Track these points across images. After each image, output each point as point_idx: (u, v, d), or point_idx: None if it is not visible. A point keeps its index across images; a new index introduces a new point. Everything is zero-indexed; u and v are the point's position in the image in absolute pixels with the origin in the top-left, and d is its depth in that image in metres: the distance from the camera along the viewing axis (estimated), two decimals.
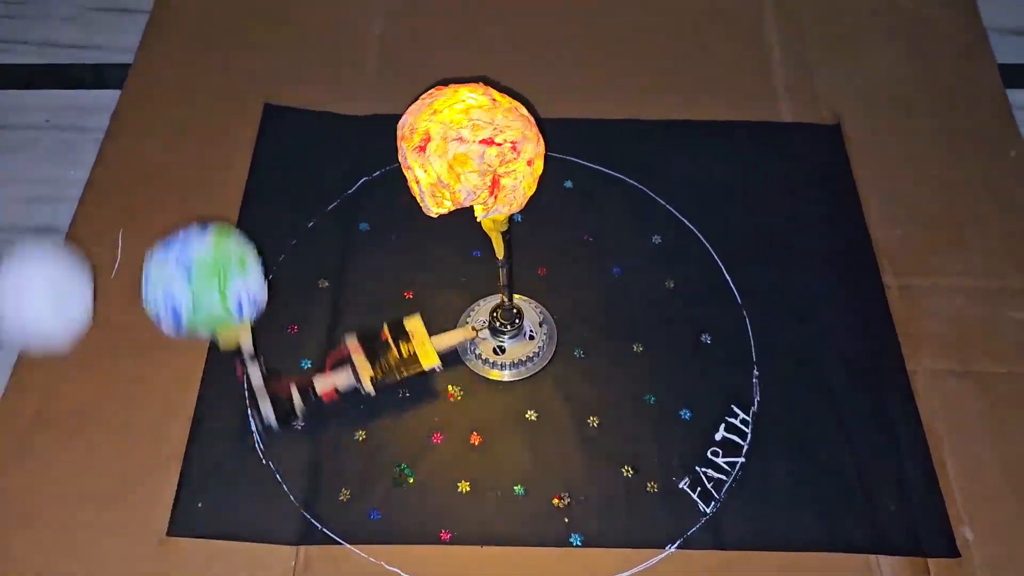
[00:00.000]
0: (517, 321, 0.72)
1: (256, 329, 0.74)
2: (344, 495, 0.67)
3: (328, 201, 0.82)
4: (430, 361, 0.69)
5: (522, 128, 0.53)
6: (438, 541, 0.65)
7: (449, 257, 0.79)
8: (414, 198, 0.55)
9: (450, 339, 0.71)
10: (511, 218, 0.61)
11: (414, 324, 0.70)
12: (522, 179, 0.54)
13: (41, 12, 0.98)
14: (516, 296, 0.75)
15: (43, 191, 0.84)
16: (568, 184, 0.84)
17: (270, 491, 0.67)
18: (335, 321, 0.75)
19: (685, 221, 0.82)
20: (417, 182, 0.54)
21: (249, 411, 0.70)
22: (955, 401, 0.72)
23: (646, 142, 0.87)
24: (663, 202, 0.83)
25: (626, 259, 0.79)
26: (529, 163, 0.54)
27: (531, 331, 0.74)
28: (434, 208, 0.54)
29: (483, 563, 0.64)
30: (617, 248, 0.80)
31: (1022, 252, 0.80)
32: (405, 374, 0.69)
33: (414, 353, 0.69)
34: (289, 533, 0.65)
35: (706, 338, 0.75)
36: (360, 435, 0.70)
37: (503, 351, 0.73)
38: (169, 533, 0.65)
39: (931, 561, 0.65)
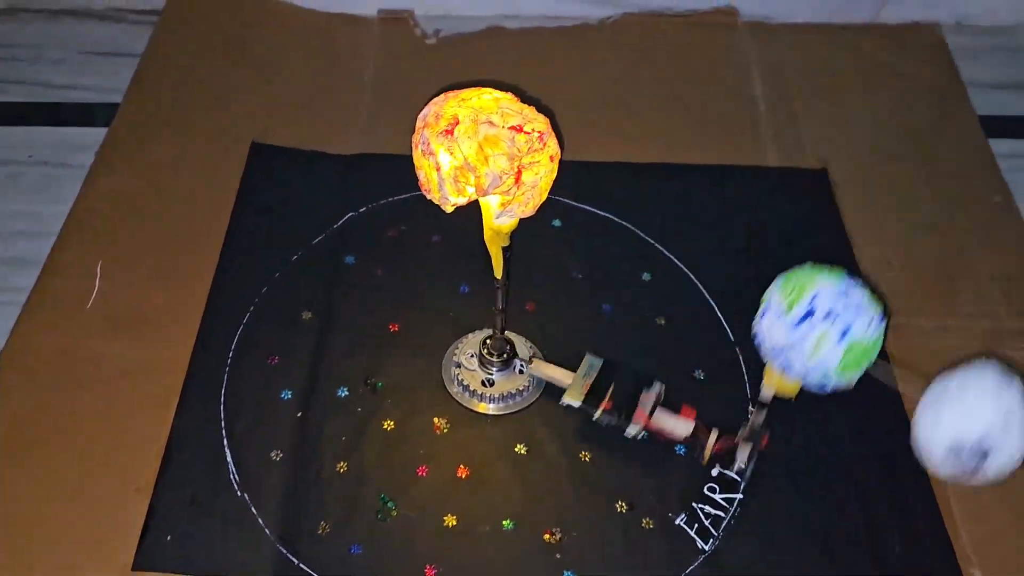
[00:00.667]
0: (508, 352, 0.70)
1: (235, 356, 0.72)
2: (323, 528, 0.63)
3: (313, 235, 0.81)
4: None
5: (546, 123, 0.53)
6: None
7: (436, 292, 0.77)
8: (428, 198, 0.55)
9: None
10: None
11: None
12: (542, 176, 0.53)
13: (32, 55, 0.98)
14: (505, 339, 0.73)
15: (23, 225, 0.82)
16: (556, 223, 0.84)
17: (245, 524, 0.63)
18: (318, 352, 0.73)
19: (675, 260, 0.81)
20: (438, 169, 0.53)
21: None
22: None
23: (635, 184, 0.87)
24: (652, 241, 0.82)
25: (616, 296, 0.78)
26: (551, 159, 0.54)
27: (521, 365, 0.72)
28: (452, 196, 0.53)
29: None
30: (606, 285, 0.79)
31: (1013, 293, 0.80)
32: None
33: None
34: (263, 568, 0.61)
35: (699, 375, 0.73)
36: (342, 466, 0.66)
37: (492, 384, 0.71)
38: (135, 567, 0.61)
39: None
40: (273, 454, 0.67)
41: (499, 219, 0.56)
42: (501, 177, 0.52)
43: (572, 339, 0.75)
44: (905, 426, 0.70)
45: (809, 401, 0.71)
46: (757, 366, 0.73)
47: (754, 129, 0.92)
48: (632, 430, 0.66)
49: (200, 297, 0.75)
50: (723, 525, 0.65)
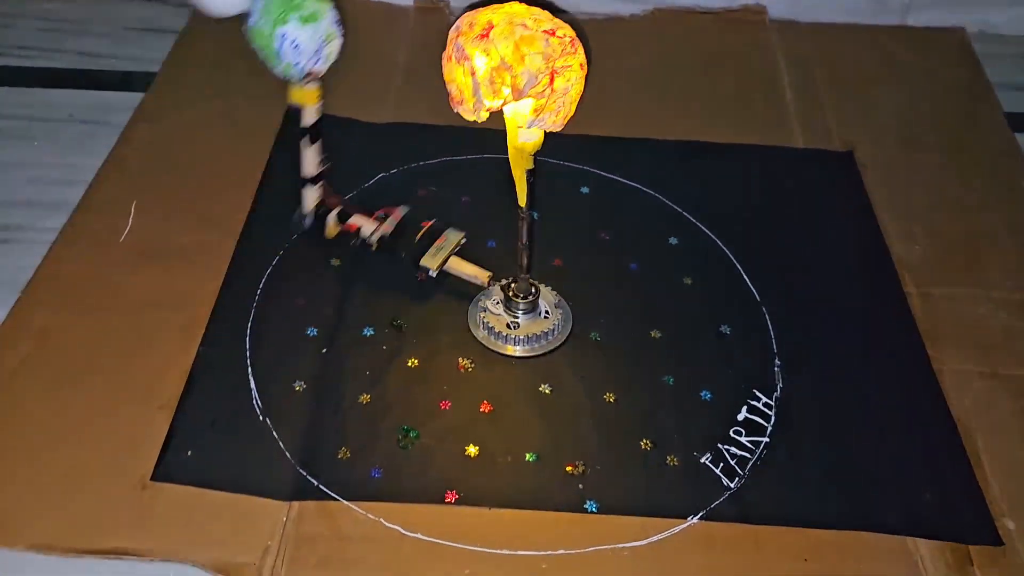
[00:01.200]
0: (533, 293, 0.71)
1: (262, 296, 0.73)
2: (344, 454, 0.63)
3: (345, 193, 0.82)
4: (429, 262, 0.72)
5: (574, 32, 0.55)
6: (442, 502, 0.60)
7: (463, 246, 0.78)
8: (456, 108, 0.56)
9: (462, 267, 0.73)
10: (533, 166, 0.62)
11: (453, 235, 0.74)
12: (573, 83, 0.55)
13: (78, 29, 1.01)
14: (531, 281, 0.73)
15: (58, 174, 0.84)
16: (585, 190, 0.85)
17: (265, 447, 0.63)
18: (345, 294, 0.73)
19: (702, 227, 0.81)
20: (473, 73, 0.54)
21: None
22: (985, 400, 0.69)
23: (662, 159, 0.88)
24: (680, 209, 0.83)
25: (643, 256, 0.78)
26: (582, 67, 0.55)
27: (546, 310, 0.72)
28: (488, 99, 0.54)
29: (491, 525, 0.59)
30: (634, 246, 0.79)
31: None
32: (402, 255, 0.73)
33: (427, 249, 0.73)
34: (282, 488, 0.60)
35: (725, 329, 0.73)
36: (364, 398, 0.66)
37: (517, 326, 0.71)
38: (154, 478, 0.60)
39: (973, 548, 0.60)
40: (296, 384, 0.67)
41: (529, 128, 0.57)
42: (537, 76, 0.53)
43: (599, 293, 0.75)
44: (927, 373, 0.70)
45: (832, 361, 0.71)
46: (784, 325, 0.73)
47: (781, 116, 0.94)
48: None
49: (230, 240, 0.76)
50: (749, 465, 0.63)
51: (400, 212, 0.75)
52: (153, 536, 0.57)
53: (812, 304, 0.75)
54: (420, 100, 0.93)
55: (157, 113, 0.88)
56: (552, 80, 0.54)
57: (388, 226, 0.73)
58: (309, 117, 0.71)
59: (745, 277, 0.77)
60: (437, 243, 0.73)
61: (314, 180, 0.74)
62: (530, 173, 0.62)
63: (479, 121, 0.58)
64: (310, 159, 0.73)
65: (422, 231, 0.74)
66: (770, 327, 0.73)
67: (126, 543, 0.57)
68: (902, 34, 1.05)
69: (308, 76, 0.67)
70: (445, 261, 0.72)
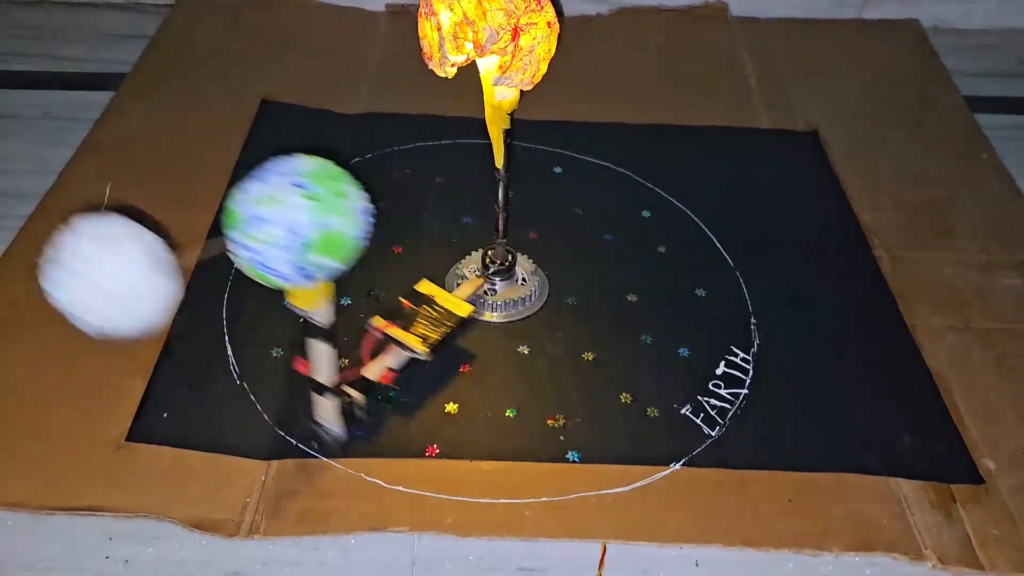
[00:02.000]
0: (509, 260, 0.71)
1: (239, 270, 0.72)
2: None
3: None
4: (464, 309, 0.66)
5: None
6: (423, 455, 0.60)
7: (439, 221, 0.78)
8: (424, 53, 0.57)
9: (464, 291, 0.69)
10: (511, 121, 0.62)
11: (427, 287, 0.68)
12: (540, 41, 0.56)
13: (53, 35, 1.02)
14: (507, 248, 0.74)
15: (32, 167, 0.83)
16: (557, 170, 0.86)
17: (242, 409, 0.62)
18: None
19: (673, 200, 0.83)
20: (439, 28, 0.55)
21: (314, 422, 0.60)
22: (959, 351, 0.70)
23: (631, 140, 0.89)
24: (650, 185, 0.84)
25: (617, 228, 0.79)
26: (549, 25, 0.56)
27: (523, 277, 0.72)
28: (452, 54, 0.55)
29: (472, 476, 0.59)
30: (608, 219, 0.80)
31: (1004, 233, 0.81)
32: (451, 325, 0.64)
33: (445, 309, 0.66)
34: (260, 448, 0.60)
35: (700, 292, 0.74)
36: (343, 363, 0.66)
37: (494, 292, 0.71)
38: (129, 438, 0.59)
39: (955, 487, 0.60)
40: (273, 351, 0.66)
41: (498, 86, 0.58)
42: (498, 32, 0.54)
43: (575, 262, 0.75)
44: (901, 329, 0.70)
45: (807, 319, 0.72)
46: (758, 288, 0.74)
47: (746, 101, 0.96)
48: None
49: (207, 216, 0.76)
50: (729, 415, 0.64)
51: (375, 330, 0.64)
52: (128, 494, 0.56)
53: (785, 269, 0.76)
54: (392, 94, 0.94)
55: (131, 105, 0.89)
56: (516, 36, 0.55)
57: (392, 355, 0.63)
58: (323, 318, 0.54)
59: (718, 245, 0.78)
60: (432, 307, 0.66)
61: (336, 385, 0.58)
62: (507, 133, 0.62)
63: (448, 77, 0.59)
64: (327, 365, 0.56)
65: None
66: (745, 290, 0.74)
67: (100, 500, 0.56)
68: (859, 27, 1.08)
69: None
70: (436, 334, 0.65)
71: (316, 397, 0.58)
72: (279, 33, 1.03)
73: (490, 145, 0.64)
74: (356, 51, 1.01)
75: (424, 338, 0.63)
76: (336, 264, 0.49)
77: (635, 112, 0.93)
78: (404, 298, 0.67)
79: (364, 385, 0.61)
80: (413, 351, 0.63)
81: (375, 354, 0.64)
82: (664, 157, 0.88)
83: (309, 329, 0.54)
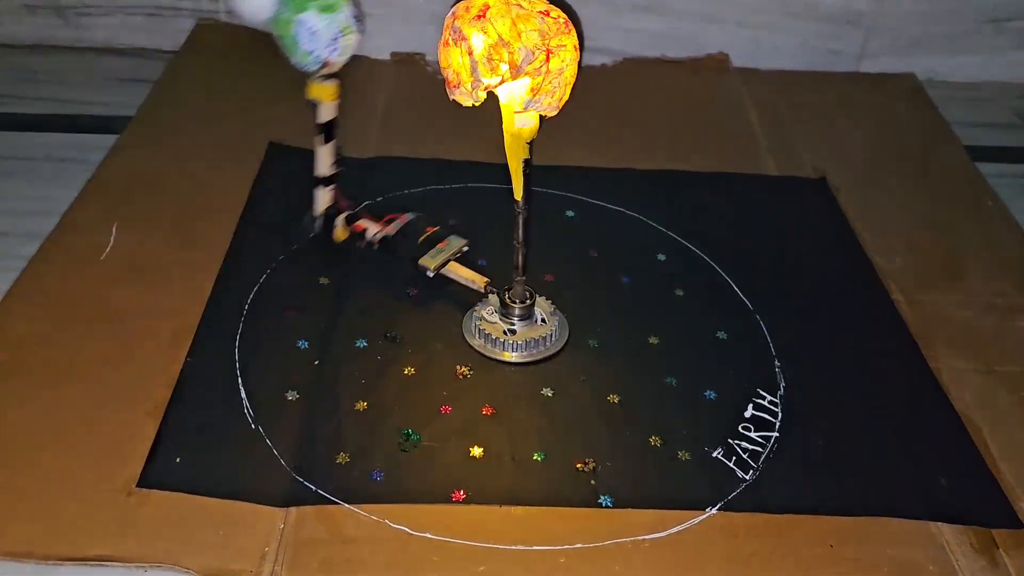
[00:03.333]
0: (529, 299, 0.69)
1: (250, 310, 0.70)
2: (342, 459, 0.59)
3: (330, 219, 0.81)
4: (427, 262, 0.72)
5: (567, 16, 0.56)
6: (450, 501, 0.57)
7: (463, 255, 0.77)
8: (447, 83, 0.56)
9: (459, 271, 0.72)
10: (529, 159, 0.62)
11: (456, 242, 0.74)
12: (568, 64, 0.55)
13: (57, 79, 1.01)
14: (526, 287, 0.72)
15: (36, 207, 0.81)
16: (570, 214, 0.85)
17: (258, 454, 0.59)
18: (335, 308, 0.71)
19: (689, 245, 0.82)
20: (470, 53, 0.54)
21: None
22: (985, 394, 0.69)
23: (642, 185, 0.89)
24: (664, 229, 0.83)
25: (633, 271, 0.78)
26: (575, 48, 0.56)
27: (542, 317, 0.71)
28: (486, 77, 0.54)
29: (502, 522, 0.56)
30: (623, 262, 0.79)
31: (1016, 276, 0.81)
32: (400, 255, 0.73)
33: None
34: (277, 494, 0.57)
35: (722, 335, 0.72)
36: (361, 405, 0.63)
37: (514, 332, 0.69)
38: (140, 484, 0.56)
39: (996, 532, 0.59)
40: (289, 394, 0.64)
41: (526, 109, 0.57)
42: (534, 53, 0.54)
43: (593, 304, 0.74)
44: (925, 371, 0.70)
45: (831, 363, 0.71)
46: (779, 331, 0.73)
47: (753, 148, 0.96)
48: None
49: (215, 260, 0.74)
50: (762, 458, 0.62)
51: (406, 217, 0.75)
52: (140, 542, 0.53)
53: (804, 312, 0.75)
54: (401, 139, 0.94)
55: (138, 145, 0.87)
56: (548, 59, 0.55)
57: (392, 228, 0.73)
58: (325, 114, 0.71)
59: (736, 288, 0.77)
60: (439, 246, 0.73)
61: (327, 181, 0.74)
62: (526, 163, 0.62)
63: (476, 104, 0.58)
64: (324, 158, 0.72)
65: (425, 235, 0.74)
66: (766, 332, 0.73)
67: (110, 550, 0.52)
68: (858, 79, 1.10)
69: (324, 66, 0.67)
70: (444, 264, 0.72)
71: (316, 190, 0.73)
72: (285, 80, 1.01)
73: (501, 188, 0.64)
74: (363, 97, 1.00)
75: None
76: (282, 44, 0.67)
77: (644, 158, 0.93)
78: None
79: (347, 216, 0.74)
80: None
81: (378, 219, 0.75)
82: (675, 202, 0.88)
83: (315, 125, 0.70)
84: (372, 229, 0.74)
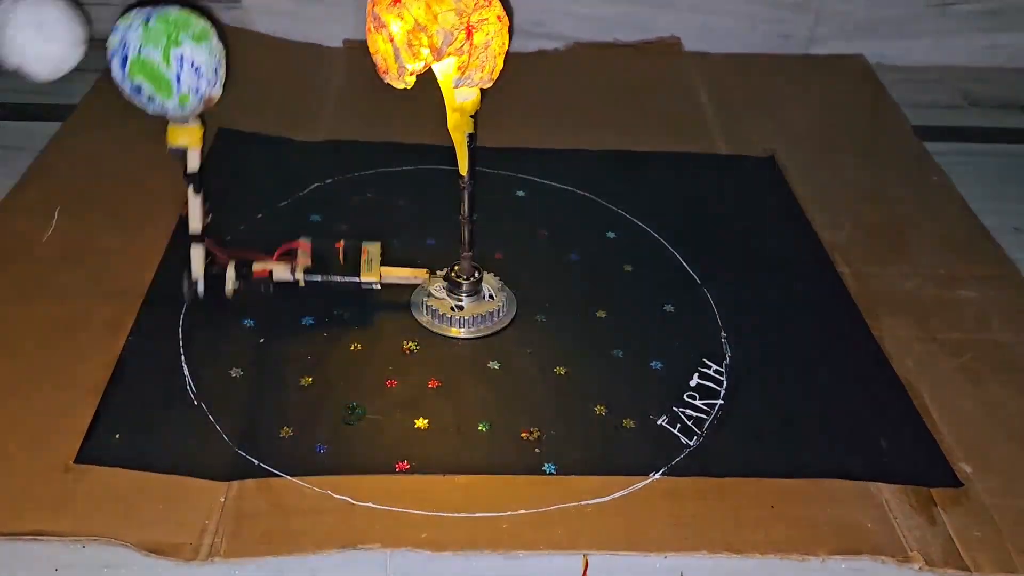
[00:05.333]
0: (476, 275, 0.70)
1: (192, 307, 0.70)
2: (286, 432, 0.59)
3: (279, 200, 0.81)
4: (370, 276, 0.68)
5: None
6: (394, 471, 0.57)
7: (403, 244, 0.77)
8: (380, 71, 0.56)
9: (398, 272, 0.70)
10: (473, 134, 0.62)
11: (372, 247, 0.69)
12: (493, 36, 0.55)
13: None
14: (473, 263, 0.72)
15: None
16: (520, 193, 0.85)
17: (200, 430, 0.59)
18: (282, 290, 0.70)
19: (638, 222, 0.83)
20: (391, 39, 0.54)
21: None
22: (926, 360, 0.70)
23: (593, 165, 0.90)
24: (614, 207, 0.84)
25: (582, 248, 0.79)
26: (499, 19, 0.56)
27: (490, 293, 0.71)
28: (409, 63, 0.54)
29: (446, 490, 0.56)
30: (572, 240, 0.79)
31: (959, 249, 0.82)
32: (339, 279, 0.68)
33: (358, 266, 0.68)
34: (219, 469, 0.56)
35: (669, 307, 0.73)
36: (306, 380, 0.63)
37: (461, 308, 0.69)
38: (78, 460, 0.55)
39: (935, 491, 0.60)
40: (233, 372, 0.63)
41: (457, 87, 0.57)
42: (452, 33, 0.54)
43: (542, 280, 0.74)
44: (868, 340, 0.71)
45: (777, 333, 0.72)
46: (726, 304, 0.74)
47: (703, 128, 0.97)
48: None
49: (160, 243, 0.73)
50: (706, 424, 0.62)
51: (306, 242, 0.68)
52: (76, 518, 0.52)
53: (752, 285, 0.76)
54: (352, 123, 0.93)
55: (83, 130, 0.86)
56: (470, 35, 0.55)
57: (305, 259, 0.67)
58: (194, 162, 0.64)
59: (684, 263, 0.78)
60: (363, 258, 0.69)
61: (199, 237, 0.65)
62: (471, 137, 0.62)
63: (408, 87, 0.58)
64: (195, 212, 0.64)
65: (340, 253, 0.69)
66: (713, 305, 0.73)
67: (45, 525, 0.52)
68: (808, 61, 1.11)
69: (205, 103, 0.61)
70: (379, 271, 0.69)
71: (191, 247, 0.65)
72: (236, 67, 1.01)
73: (451, 170, 0.64)
74: (314, 83, 1.00)
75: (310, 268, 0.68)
76: (149, 91, 0.59)
77: (594, 139, 0.94)
78: (344, 241, 0.70)
79: (244, 271, 0.67)
80: (293, 273, 0.67)
81: (281, 257, 0.68)
82: (625, 181, 0.88)
83: (185, 176, 0.64)
84: (279, 269, 0.67)
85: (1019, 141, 1.02)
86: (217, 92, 0.61)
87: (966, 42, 1.15)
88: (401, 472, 0.57)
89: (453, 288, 0.70)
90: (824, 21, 1.12)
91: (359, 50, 1.06)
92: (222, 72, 0.61)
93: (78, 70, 0.99)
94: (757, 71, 1.09)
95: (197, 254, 0.65)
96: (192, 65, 0.58)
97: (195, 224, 0.65)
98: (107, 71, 0.96)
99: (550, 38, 1.09)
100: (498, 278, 0.72)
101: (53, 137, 0.85)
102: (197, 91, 0.59)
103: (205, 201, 0.65)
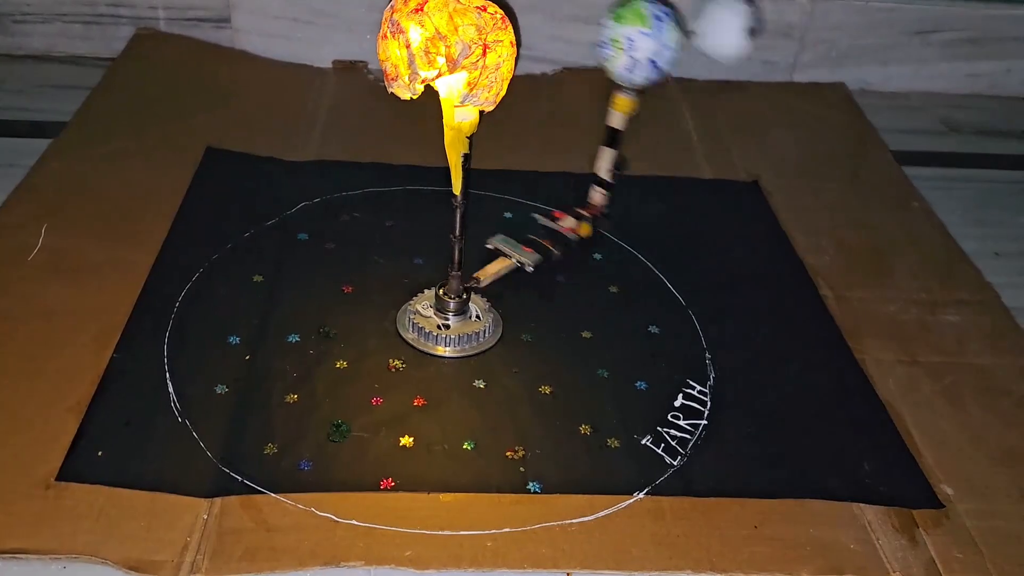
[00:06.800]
0: (464, 295, 0.70)
1: (181, 307, 0.70)
2: (270, 449, 0.59)
3: (266, 219, 0.81)
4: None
5: (503, 12, 0.57)
6: (378, 489, 0.57)
7: (390, 262, 0.77)
8: (387, 78, 0.57)
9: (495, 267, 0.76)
10: (468, 151, 0.62)
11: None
12: (504, 59, 0.56)
13: None
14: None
15: None
16: (508, 215, 0.86)
17: (184, 446, 0.59)
18: (268, 305, 0.71)
19: (624, 244, 0.83)
20: (408, 46, 0.55)
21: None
22: (908, 383, 0.71)
23: (579, 188, 0.90)
24: (600, 230, 0.85)
25: (568, 269, 0.79)
26: (512, 44, 0.57)
27: (477, 313, 0.71)
28: (423, 70, 0.55)
29: (430, 508, 0.56)
30: (559, 261, 0.80)
31: (940, 274, 0.83)
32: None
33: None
34: (202, 485, 0.56)
35: (654, 329, 0.73)
36: (291, 398, 0.63)
37: (448, 327, 0.69)
38: (60, 478, 0.55)
39: (916, 512, 0.60)
40: (218, 388, 0.63)
41: (463, 103, 0.58)
42: (471, 47, 0.55)
43: (528, 301, 0.75)
44: (851, 362, 0.71)
45: (760, 354, 0.72)
46: (710, 326, 0.74)
47: (688, 154, 0.98)
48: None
49: (146, 261, 0.73)
50: (690, 445, 0.63)
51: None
52: (57, 535, 0.52)
53: (736, 308, 0.77)
54: (341, 144, 0.94)
55: (71, 148, 0.86)
56: (484, 53, 0.56)
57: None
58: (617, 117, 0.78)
59: (669, 285, 0.79)
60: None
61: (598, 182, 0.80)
62: (465, 158, 0.62)
63: (414, 97, 0.58)
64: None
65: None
66: (698, 327, 0.74)
67: (24, 543, 0.51)
68: (791, 88, 1.13)
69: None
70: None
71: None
72: (225, 87, 1.02)
73: (439, 191, 0.64)
74: (304, 104, 1.01)
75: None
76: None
77: (581, 162, 0.94)
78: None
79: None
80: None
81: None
82: (612, 204, 0.89)
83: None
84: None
85: (998, 166, 1.04)
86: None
87: (947, 69, 1.17)
88: (385, 490, 0.57)
89: (440, 306, 0.70)
90: (808, 48, 1.14)
91: (348, 71, 1.08)
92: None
93: (70, 87, 1.00)
94: (741, 98, 1.10)
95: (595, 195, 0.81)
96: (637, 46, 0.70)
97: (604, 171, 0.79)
98: (96, 87, 0.98)
99: (538, 60, 1.11)
100: (485, 299, 0.73)
101: (41, 155, 0.85)
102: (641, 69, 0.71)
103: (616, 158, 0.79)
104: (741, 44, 0.80)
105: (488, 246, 0.78)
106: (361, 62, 1.09)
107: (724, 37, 0.83)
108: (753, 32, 0.79)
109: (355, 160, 0.91)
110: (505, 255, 0.77)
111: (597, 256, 0.81)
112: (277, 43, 1.08)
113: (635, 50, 0.70)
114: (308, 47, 1.08)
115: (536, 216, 0.83)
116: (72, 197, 0.80)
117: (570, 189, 0.90)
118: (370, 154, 0.93)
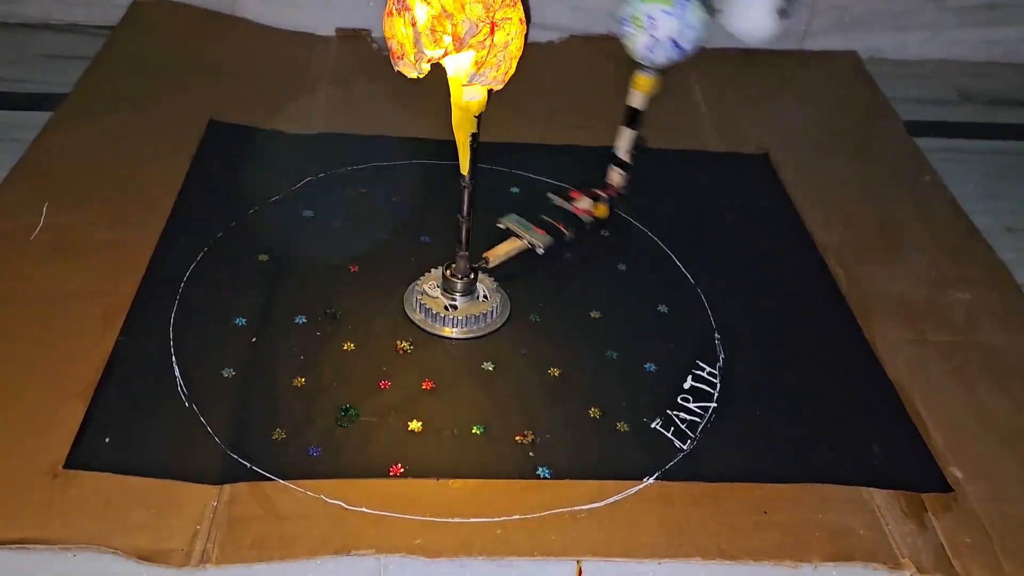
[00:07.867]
0: (472, 275, 0.69)
1: (186, 288, 0.69)
2: (278, 435, 0.59)
3: (271, 195, 0.80)
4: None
5: None
6: (387, 475, 0.57)
7: (397, 241, 0.76)
8: (392, 56, 0.55)
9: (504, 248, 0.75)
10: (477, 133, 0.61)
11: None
12: (513, 37, 0.55)
13: None
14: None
15: None
16: (515, 190, 0.85)
17: (191, 432, 0.58)
18: (274, 286, 0.70)
19: (632, 220, 0.82)
20: (414, 24, 0.53)
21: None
22: (917, 363, 0.70)
23: (586, 162, 0.89)
24: (617, 211, 0.83)
25: (576, 247, 0.78)
26: (521, 21, 0.55)
27: (485, 293, 0.70)
28: (429, 48, 0.53)
29: (440, 495, 0.56)
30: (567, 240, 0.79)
31: (950, 250, 0.82)
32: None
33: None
34: (211, 472, 0.56)
35: (663, 308, 0.73)
36: (299, 381, 0.63)
37: (455, 308, 0.69)
38: (67, 465, 0.55)
39: (925, 496, 0.60)
40: (225, 372, 0.63)
41: (471, 82, 0.56)
42: (477, 25, 0.53)
43: (536, 281, 0.74)
44: (861, 342, 0.71)
45: (769, 334, 0.72)
46: (719, 305, 0.74)
47: (698, 126, 0.97)
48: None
49: (150, 239, 0.73)
50: (699, 428, 0.62)
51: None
52: (65, 525, 0.52)
53: (744, 285, 0.76)
54: (344, 115, 0.92)
55: (71, 123, 0.85)
56: (492, 31, 0.55)
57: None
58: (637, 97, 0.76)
59: (678, 263, 0.78)
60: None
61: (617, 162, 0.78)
62: (474, 137, 0.61)
63: (420, 76, 0.57)
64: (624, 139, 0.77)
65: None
66: (707, 306, 0.73)
67: (33, 533, 0.51)
68: (801, 57, 1.11)
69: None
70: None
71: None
72: (227, 56, 1.00)
73: (444, 165, 0.63)
74: (307, 74, 0.99)
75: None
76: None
77: (588, 135, 0.93)
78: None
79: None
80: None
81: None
82: (629, 185, 0.87)
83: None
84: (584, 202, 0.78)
85: (1012, 137, 1.02)
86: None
87: (962, 36, 1.15)
88: (394, 476, 0.57)
89: (447, 287, 0.69)
90: (820, 15, 1.11)
91: (352, 39, 1.06)
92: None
93: (68, 57, 0.98)
94: (751, 68, 1.08)
95: (613, 175, 0.79)
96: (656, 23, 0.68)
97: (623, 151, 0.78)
98: (96, 57, 0.96)
99: (545, 28, 1.08)
100: (493, 278, 0.72)
101: (41, 130, 0.83)
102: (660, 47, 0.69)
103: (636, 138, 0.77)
104: (770, 25, 0.77)
105: (499, 225, 0.76)
106: (365, 30, 1.06)
107: (753, 17, 0.80)
108: (783, 13, 0.76)
109: (360, 132, 0.90)
110: (516, 235, 0.76)
111: (604, 233, 0.80)
112: (279, 10, 1.06)
113: (656, 29, 0.67)
114: (310, 15, 1.06)
115: (552, 196, 0.80)
116: (73, 174, 0.78)
117: (578, 163, 0.89)
118: (375, 126, 0.91)
